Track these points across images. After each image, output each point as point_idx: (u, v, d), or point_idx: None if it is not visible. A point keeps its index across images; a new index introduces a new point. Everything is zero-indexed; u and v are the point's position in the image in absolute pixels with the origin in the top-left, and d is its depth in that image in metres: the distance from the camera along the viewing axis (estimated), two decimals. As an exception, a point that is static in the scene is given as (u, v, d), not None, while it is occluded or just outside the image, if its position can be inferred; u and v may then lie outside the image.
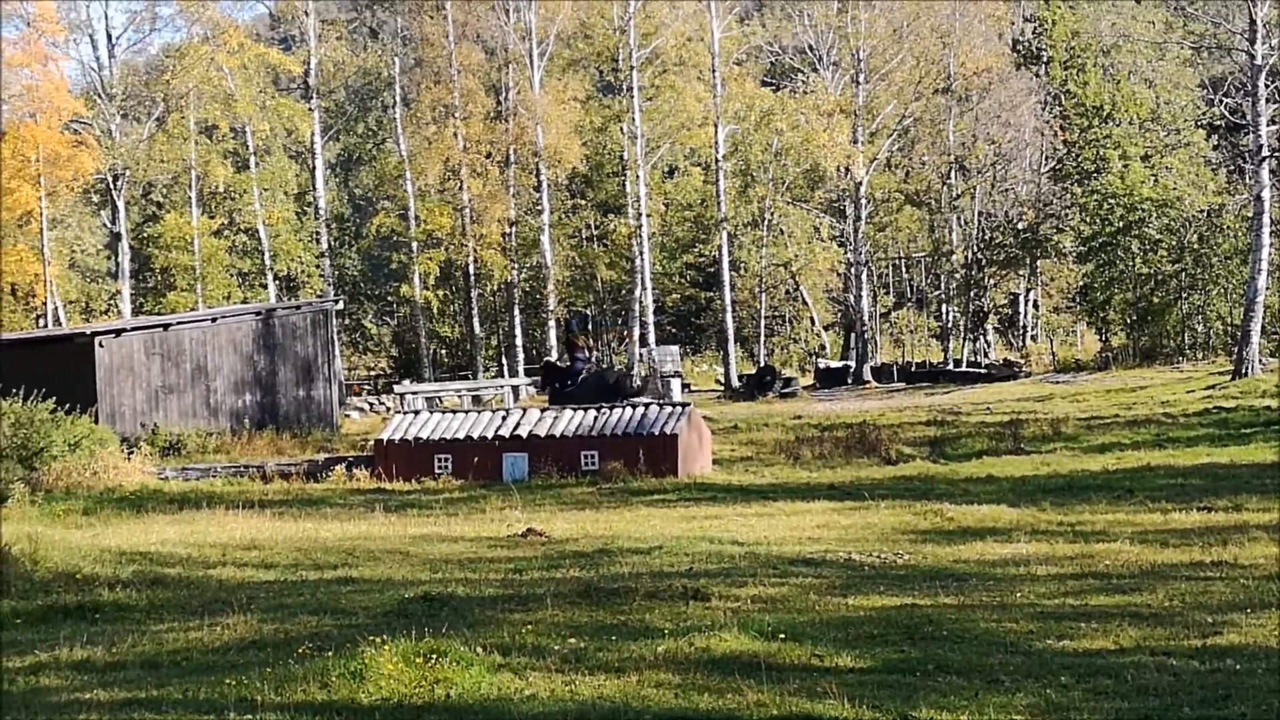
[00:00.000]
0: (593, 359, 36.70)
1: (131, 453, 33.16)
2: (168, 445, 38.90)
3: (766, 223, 69.91)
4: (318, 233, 71.95)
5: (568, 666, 10.80)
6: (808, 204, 72.07)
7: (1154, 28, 69.16)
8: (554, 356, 36.28)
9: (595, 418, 32.04)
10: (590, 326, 39.27)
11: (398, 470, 31.63)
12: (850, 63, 67.61)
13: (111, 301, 70.36)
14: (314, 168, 71.61)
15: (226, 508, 24.79)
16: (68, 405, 34.82)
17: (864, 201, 67.04)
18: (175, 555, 18.80)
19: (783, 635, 11.66)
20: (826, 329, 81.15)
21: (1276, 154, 53.67)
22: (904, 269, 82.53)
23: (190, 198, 69.18)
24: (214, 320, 45.28)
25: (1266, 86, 49.08)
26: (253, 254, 71.34)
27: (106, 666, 11.52)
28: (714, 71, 64.95)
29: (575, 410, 33.11)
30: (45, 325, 63.34)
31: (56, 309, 65.05)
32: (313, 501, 27.30)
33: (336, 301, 53.48)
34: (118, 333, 42.40)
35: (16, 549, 16.68)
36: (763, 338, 73.47)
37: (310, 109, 69.88)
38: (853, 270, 68.11)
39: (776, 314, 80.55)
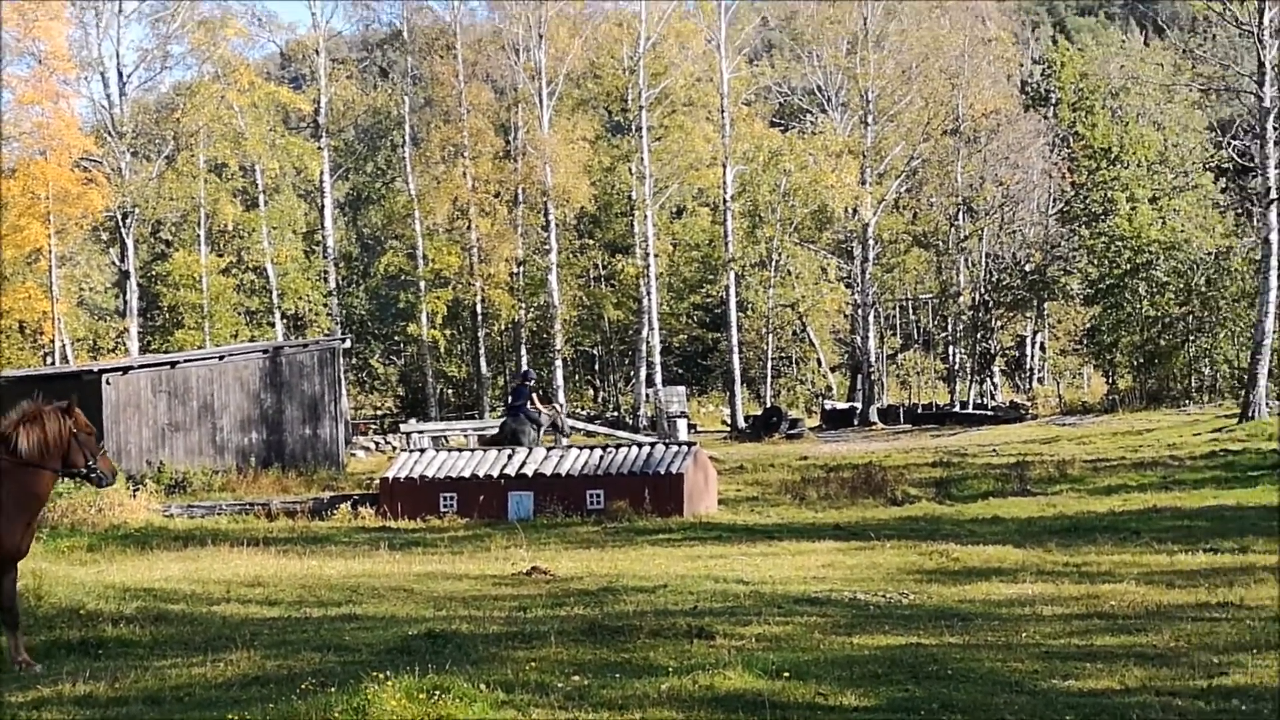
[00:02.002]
0: (526, 410, 36.88)
1: (137, 490, 33.07)
2: (173, 483, 38.80)
3: (774, 263, 70.05)
4: (326, 271, 72.08)
5: (571, 704, 10.74)
6: (815, 245, 72.18)
7: (1162, 70, 69.32)
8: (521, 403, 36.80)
9: (601, 457, 31.99)
10: (533, 383, 39.65)
11: (403, 508, 31.53)
12: (859, 104, 67.67)
13: (119, 339, 70.38)
14: (323, 206, 71.78)
15: (231, 545, 24.71)
16: (74, 442, 34.80)
17: (871, 242, 66.97)
18: (179, 592, 18.75)
19: (787, 674, 11.60)
20: (833, 370, 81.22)
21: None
22: (911, 310, 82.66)
23: (199, 236, 69.29)
24: (221, 358, 45.25)
25: (1275, 129, 48.97)
26: (260, 292, 71.43)
27: (109, 701, 11.46)
28: (723, 112, 65.16)
29: (581, 449, 33.10)
30: (53, 363, 63.34)
31: (64, 346, 65.07)
32: (317, 539, 27.20)
33: (344, 340, 53.40)
34: (125, 370, 42.34)
35: (21, 585, 16.58)
36: (769, 379, 73.53)
37: (320, 148, 70.07)
38: (860, 311, 68.03)
39: (783, 355, 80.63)
